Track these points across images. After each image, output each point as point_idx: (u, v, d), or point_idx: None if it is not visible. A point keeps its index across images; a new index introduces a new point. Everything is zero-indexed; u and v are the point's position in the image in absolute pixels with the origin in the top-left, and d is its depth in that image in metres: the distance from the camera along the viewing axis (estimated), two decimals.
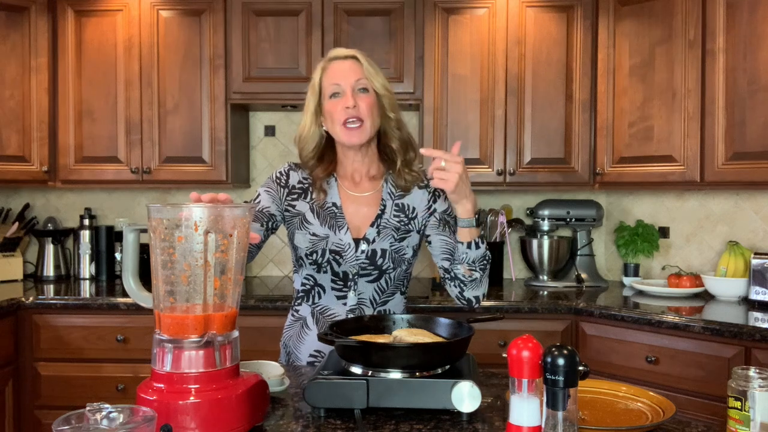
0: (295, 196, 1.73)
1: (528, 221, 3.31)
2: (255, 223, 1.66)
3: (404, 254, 1.70)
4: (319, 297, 1.73)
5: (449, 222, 1.72)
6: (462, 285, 1.67)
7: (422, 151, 1.56)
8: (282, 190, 1.74)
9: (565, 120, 3.01)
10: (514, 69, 3.00)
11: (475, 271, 1.64)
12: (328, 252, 1.67)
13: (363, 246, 1.68)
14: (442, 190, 1.73)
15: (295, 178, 1.75)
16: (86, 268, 3.32)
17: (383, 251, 1.68)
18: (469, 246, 1.62)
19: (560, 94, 3.01)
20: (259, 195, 1.73)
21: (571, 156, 3.02)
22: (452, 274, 1.68)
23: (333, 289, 1.71)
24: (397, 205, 1.72)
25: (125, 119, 3.08)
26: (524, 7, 3.00)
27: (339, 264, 1.68)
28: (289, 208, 1.73)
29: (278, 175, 1.76)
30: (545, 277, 3.15)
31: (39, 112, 3.08)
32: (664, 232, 3.17)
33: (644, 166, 2.84)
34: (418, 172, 1.74)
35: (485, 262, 1.65)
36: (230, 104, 3.07)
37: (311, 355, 1.73)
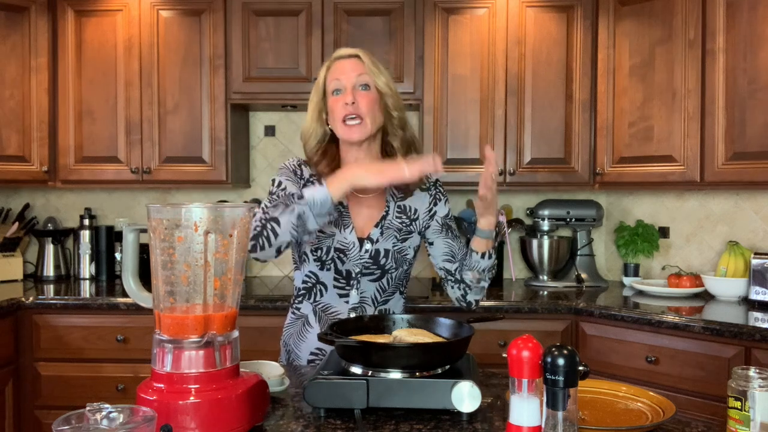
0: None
1: (528, 221, 3.31)
2: None
3: (406, 254, 1.74)
4: (321, 295, 1.73)
5: (451, 226, 1.79)
6: (467, 289, 1.74)
7: (487, 152, 1.58)
8: (299, 180, 1.74)
9: (565, 120, 3.01)
10: (514, 69, 3.00)
11: (484, 279, 1.72)
12: (332, 250, 1.68)
13: (367, 245, 1.70)
14: (443, 195, 1.79)
15: (306, 172, 1.76)
16: (86, 268, 3.32)
17: (386, 251, 1.70)
18: (482, 256, 1.68)
19: (560, 94, 3.01)
20: (282, 182, 1.71)
21: (571, 156, 3.02)
22: (456, 277, 1.73)
23: (335, 287, 1.71)
24: (399, 206, 1.75)
25: (125, 119, 3.08)
26: (524, 7, 3.00)
27: (343, 262, 1.69)
28: None
29: (294, 166, 1.75)
30: (545, 277, 3.15)
31: (39, 112, 3.08)
32: (664, 232, 3.17)
33: (644, 166, 2.84)
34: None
35: (494, 270, 1.73)
36: (230, 104, 3.07)
37: (312, 354, 1.73)
